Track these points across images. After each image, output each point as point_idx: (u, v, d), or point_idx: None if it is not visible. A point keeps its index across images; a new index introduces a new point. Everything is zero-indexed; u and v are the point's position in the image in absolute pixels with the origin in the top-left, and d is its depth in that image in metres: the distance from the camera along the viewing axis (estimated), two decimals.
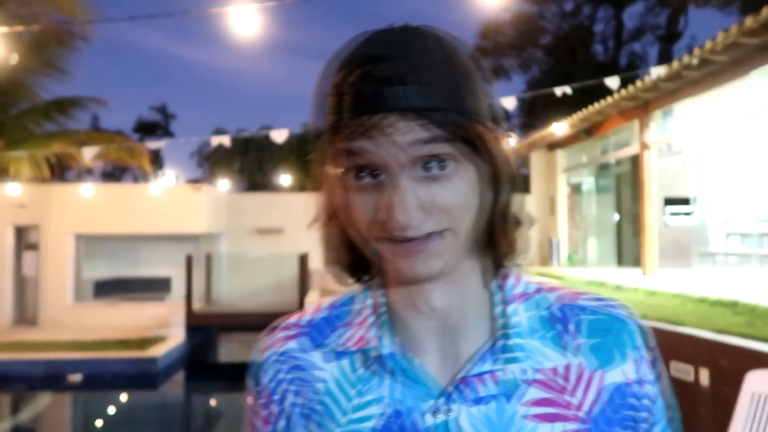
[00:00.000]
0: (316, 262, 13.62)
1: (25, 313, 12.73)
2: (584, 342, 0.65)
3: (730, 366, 4.01)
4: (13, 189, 12.03)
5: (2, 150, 10.51)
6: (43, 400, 8.25)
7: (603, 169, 13.36)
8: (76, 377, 8.81)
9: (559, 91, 8.25)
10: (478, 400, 0.61)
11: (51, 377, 8.81)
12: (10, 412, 8.05)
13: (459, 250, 0.62)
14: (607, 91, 9.35)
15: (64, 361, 8.99)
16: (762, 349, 3.94)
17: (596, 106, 9.96)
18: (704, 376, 4.29)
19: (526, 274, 0.72)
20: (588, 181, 14.02)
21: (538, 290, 0.70)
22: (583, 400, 0.62)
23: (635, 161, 11.06)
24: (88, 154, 8.61)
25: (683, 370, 4.46)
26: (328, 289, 11.64)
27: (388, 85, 0.56)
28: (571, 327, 0.65)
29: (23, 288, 12.77)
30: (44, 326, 12.12)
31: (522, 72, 25.40)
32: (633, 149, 10.32)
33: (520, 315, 0.66)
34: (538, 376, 0.62)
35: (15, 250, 12.62)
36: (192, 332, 10.99)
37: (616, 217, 13.04)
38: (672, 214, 11.22)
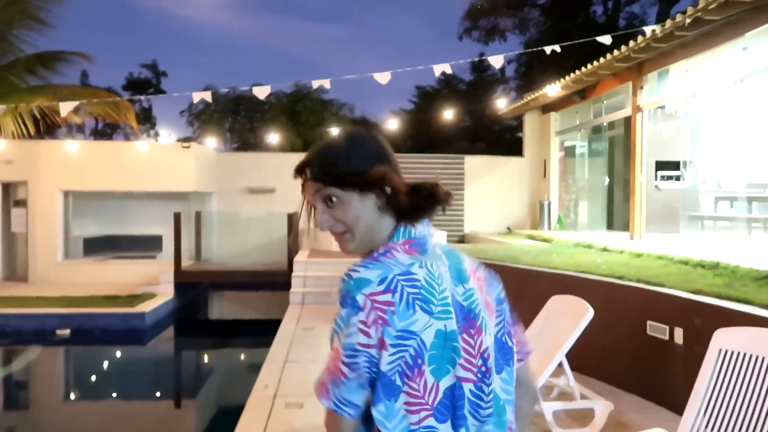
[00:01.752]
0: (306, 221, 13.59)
1: (14, 270, 12.74)
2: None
3: (704, 325, 4.04)
4: None
5: None
6: (32, 353, 8.32)
7: (596, 132, 13.26)
8: (64, 332, 8.87)
9: (548, 49, 8.10)
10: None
11: (40, 332, 8.88)
12: (1, 364, 8.13)
13: (362, 237, 1.20)
14: (603, 53, 9.19)
15: (53, 315, 9.04)
16: (735, 308, 3.96)
17: (589, 67, 9.82)
18: (679, 335, 4.33)
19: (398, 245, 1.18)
20: (581, 145, 13.93)
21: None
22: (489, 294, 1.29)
23: (628, 124, 10.97)
24: (66, 108, 8.43)
25: (659, 329, 4.50)
26: (317, 249, 11.65)
27: (306, 165, 1.23)
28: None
29: (12, 245, 12.75)
30: (34, 283, 12.15)
31: (519, 33, 24.96)
32: (626, 112, 10.22)
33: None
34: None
35: (2, 207, 12.54)
36: (181, 289, 11.04)
37: (608, 181, 13.00)
38: (663, 178, 11.18)
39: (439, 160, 15.09)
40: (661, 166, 11.24)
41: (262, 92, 8.35)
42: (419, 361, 1.06)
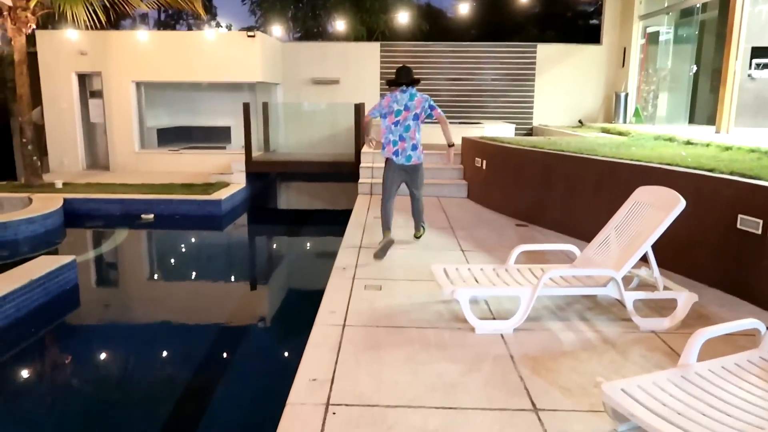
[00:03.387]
0: None
1: (97, 159, 13.41)
2: None
3: None
4: (73, 35, 12.09)
5: None
6: (121, 235, 8.92)
7: (685, 15, 12.14)
8: (149, 216, 9.42)
9: None
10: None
11: (126, 216, 9.46)
12: (93, 245, 8.79)
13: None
14: None
15: (138, 200, 9.59)
16: None
17: None
18: None
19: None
20: (666, 30, 12.84)
21: None
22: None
23: (724, 5, 9.96)
24: None
25: (751, 224, 4.31)
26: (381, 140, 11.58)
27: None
28: None
29: (93, 135, 13.32)
30: (115, 171, 12.80)
31: None
32: None
33: None
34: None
35: (81, 98, 12.98)
36: (252, 179, 11.38)
37: (695, 69, 12.04)
38: (758, 66, 10.25)
39: (509, 48, 14.32)
40: (757, 53, 10.28)
41: None
42: (389, 111, 5.86)
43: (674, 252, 4.88)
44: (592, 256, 4.28)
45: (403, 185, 6.16)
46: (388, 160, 6.05)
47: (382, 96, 13.80)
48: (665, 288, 4.01)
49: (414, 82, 5.79)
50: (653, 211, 3.93)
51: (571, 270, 3.95)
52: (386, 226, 5.85)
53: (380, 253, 5.55)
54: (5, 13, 10.32)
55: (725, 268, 4.58)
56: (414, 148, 5.89)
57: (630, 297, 3.88)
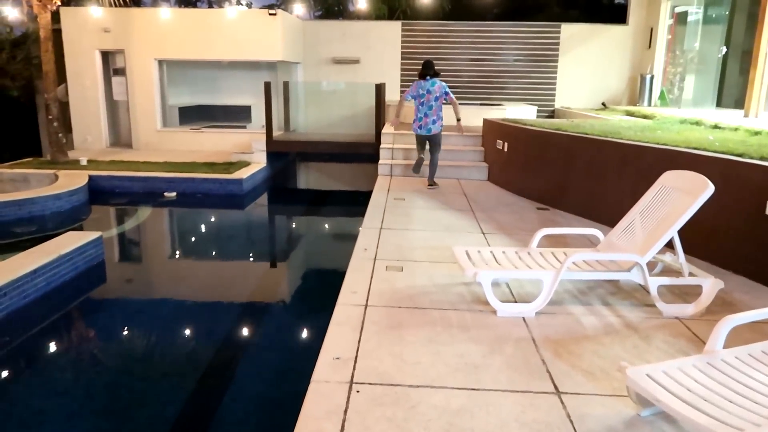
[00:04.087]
0: (391, 93, 13.41)
1: (120, 136, 13.55)
2: None
3: None
4: (97, 12, 12.14)
5: None
6: (145, 212, 9.05)
7: None
8: (171, 194, 9.53)
9: None
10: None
11: (149, 193, 9.58)
12: (117, 222, 8.93)
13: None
14: None
15: (160, 179, 9.69)
16: None
17: None
18: None
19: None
20: (695, 11, 12.52)
21: None
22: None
23: None
24: None
25: None
26: (404, 121, 11.54)
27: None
28: None
29: (116, 112, 13.44)
30: (138, 149, 12.93)
31: None
32: None
33: None
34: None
35: (104, 75, 13.08)
36: (272, 158, 11.43)
37: (723, 50, 11.74)
38: None
39: (532, 28, 14.09)
40: None
41: None
42: (417, 95, 8.11)
43: (699, 237, 4.83)
44: (616, 240, 4.25)
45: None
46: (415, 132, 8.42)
47: (402, 76, 13.85)
48: (690, 274, 3.97)
49: (435, 74, 8.13)
50: (680, 196, 3.88)
51: (594, 254, 3.93)
52: (419, 153, 8.52)
53: (416, 168, 8.47)
54: None
55: (752, 255, 4.52)
56: (434, 122, 8.18)
57: (654, 282, 3.86)
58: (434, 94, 8.01)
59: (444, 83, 8.09)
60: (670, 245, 3.98)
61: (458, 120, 8.25)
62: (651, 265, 4.34)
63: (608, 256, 3.98)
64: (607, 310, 3.92)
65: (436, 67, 8.20)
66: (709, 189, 3.69)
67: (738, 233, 4.65)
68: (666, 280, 3.94)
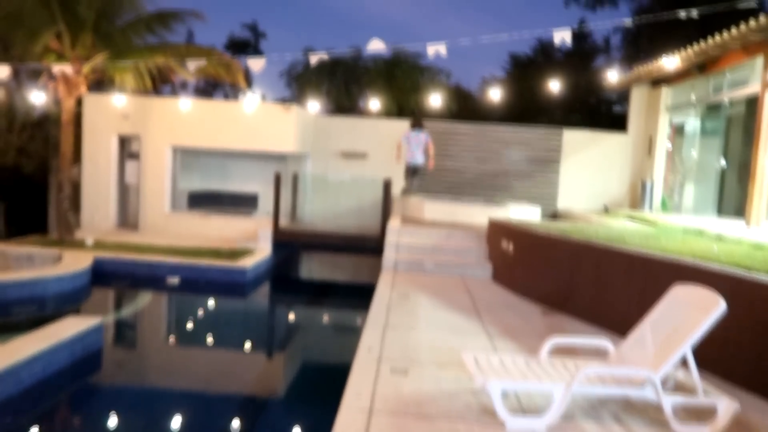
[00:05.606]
0: (396, 188, 13.69)
1: (127, 218, 13.71)
2: None
3: None
4: (119, 100, 12.66)
5: (110, 60, 10.99)
6: (146, 297, 8.98)
7: (712, 109, 12.35)
8: (174, 280, 9.50)
9: (683, 14, 7.43)
10: None
11: (152, 278, 9.55)
12: (118, 306, 8.84)
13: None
14: (722, 25, 8.45)
15: (164, 264, 9.69)
16: None
17: (718, 38, 9.09)
18: None
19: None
20: (693, 122, 13.04)
21: None
22: None
23: (751, 103, 10.14)
24: (191, 66, 8.89)
25: None
26: (408, 216, 11.71)
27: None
28: None
29: (126, 194, 13.69)
30: (144, 231, 13.05)
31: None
32: (752, 88, 9.43)
33: None
34: None
35: (119, 159, 13.44)
36: (277, 247, 11.48)
37: (721, 162, 12.12)
38: None
39: (535, 132, 14.62)
40: None
41: (376, 47, 8.51)
42: (408, 140, 12.43)
43: (710, 352, 4.75)
44: (628, 353, 4.19)
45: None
46: (406, 164, 12.46)
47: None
48: (704, 392, 3.88)
49: (421, 125, 12.47)
50: (691, 312, 3.87)
51: (607, 368, 3.86)
52: (410, 180, 12.62)
53: (405, 192, 12.50)
54: (59, 77, 10.90)
55: (765, 374, 4.43)
56: (420, 156, 12.34)
57: (668, 401, 3.76)
58: (420, 139, 12.27)
59: (427, 133, 12.50)
60: (683, 360, 3.91)
61: (430, 158, 12.42)
62: (663, 380, 4.24)
63: (621, 370, 3.90)
64: (620, 427, 3.80)
65: (423, 121, 12.87)
66: (721, 307, 3.68)
67: (750, 350, 4.58)
68: (680, 399, 3.84)
